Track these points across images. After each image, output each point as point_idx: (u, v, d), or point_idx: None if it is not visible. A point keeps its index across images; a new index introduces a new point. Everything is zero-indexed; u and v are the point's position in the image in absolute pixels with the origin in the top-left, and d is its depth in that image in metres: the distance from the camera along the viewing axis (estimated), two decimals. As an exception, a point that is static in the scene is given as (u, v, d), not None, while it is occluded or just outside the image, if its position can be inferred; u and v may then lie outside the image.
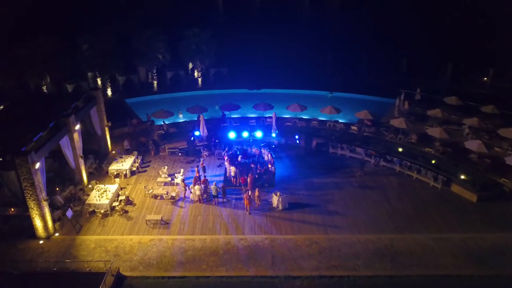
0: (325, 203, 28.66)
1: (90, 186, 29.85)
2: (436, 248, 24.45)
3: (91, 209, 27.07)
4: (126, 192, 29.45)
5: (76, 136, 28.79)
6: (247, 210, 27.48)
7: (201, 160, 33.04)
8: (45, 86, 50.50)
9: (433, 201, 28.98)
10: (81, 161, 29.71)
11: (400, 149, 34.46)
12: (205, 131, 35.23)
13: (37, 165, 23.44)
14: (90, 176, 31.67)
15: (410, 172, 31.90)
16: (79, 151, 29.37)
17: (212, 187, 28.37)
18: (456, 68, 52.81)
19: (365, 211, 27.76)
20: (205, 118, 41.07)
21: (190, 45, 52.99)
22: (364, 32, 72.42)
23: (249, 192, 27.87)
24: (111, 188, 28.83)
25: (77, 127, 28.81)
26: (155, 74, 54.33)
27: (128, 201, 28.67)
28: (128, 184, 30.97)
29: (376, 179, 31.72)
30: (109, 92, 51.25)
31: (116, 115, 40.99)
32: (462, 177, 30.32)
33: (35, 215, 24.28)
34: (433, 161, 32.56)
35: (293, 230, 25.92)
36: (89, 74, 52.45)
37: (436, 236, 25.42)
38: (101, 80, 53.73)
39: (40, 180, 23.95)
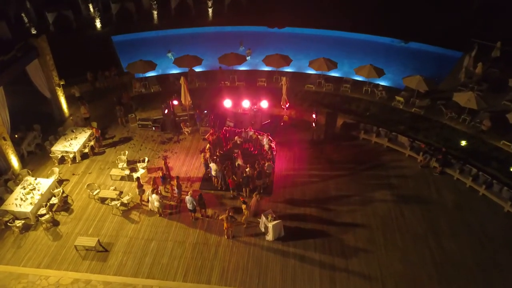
0: (341, 231, 19.41)
1: (20, 176, 21.95)
2: None
3: (7, 219, 19.35)
4: (65, 191, 21.39)
5: (-9, 110, 20.35)
6: (228, 236, 18.95)
7: (202, 153, 22.80)
8: (24, 14, 42.25)
9: (507, 242, 19.03)
10: (6, 143, 21.52)
11: (463, 143, 23.79)
12: (188, 98, 25.44)
13: None
14: (30, 157, 23.74)
15: (476, 185, 21.59)
16: (2, 130, 21.09)
17: (187, 198, 19.37)
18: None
19: (399, 255, 18.30)
20: (198, 70, 31.56)
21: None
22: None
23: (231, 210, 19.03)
24: (44, 183, 20.80)
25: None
26: (155, 2, 43.70)
27: (65, 204, 20.73)
28: (74, 174, 22.76)
29: (422, 192, 21.69)
30: (98, 25, 41.66)
31: (98, 60, 32.10)
32: (557, 201, 19.94)
33: None
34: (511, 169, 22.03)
35: (285, 282, 17.17)
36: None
37: (508, 316, 16.10)
38: (92, 8, 44.27)
39: None
